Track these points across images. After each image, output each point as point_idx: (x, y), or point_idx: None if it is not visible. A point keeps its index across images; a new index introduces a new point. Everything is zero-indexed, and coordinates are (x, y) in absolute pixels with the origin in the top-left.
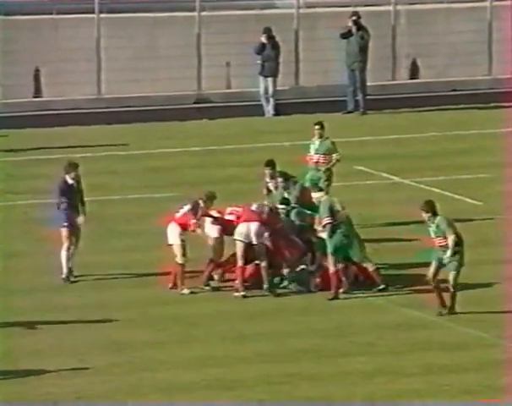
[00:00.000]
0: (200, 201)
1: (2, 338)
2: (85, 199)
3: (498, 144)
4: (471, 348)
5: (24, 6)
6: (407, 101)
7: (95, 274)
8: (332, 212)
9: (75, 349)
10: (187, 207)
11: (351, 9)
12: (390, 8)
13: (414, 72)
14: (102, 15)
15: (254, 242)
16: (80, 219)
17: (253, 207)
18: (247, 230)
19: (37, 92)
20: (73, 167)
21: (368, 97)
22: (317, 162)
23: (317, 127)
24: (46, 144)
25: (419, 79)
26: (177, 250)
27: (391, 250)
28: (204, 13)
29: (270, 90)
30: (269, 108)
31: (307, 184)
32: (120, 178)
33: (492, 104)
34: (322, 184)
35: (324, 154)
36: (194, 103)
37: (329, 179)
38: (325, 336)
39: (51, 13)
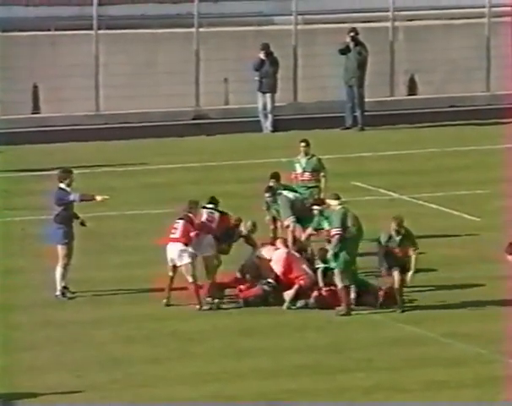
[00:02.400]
0: (189, 214)
1: (0, 354)
2: (84, 215)
3: (496, 160)
4: (469, 364)
5: (23, 22)
6: (405, 117)
7: (92, 290)
8: (344, 225)
9: (73, 365)
10: (181, 223)
11: (349, 25)
12: (388, 24)
13: (412, 88)
14: (101, 32)
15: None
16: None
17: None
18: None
19: (35, 108)
20: (67, 173)
21: (366, 113)
22: (304, 180)
23: (302, 144)
24: (44, 160)
25: (417, 95)
26: (187, 271)
27: None
28: (202, 30)
29: (269, 107)
30: (267, 124)
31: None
32: (118, 195)
33: (490, 120)
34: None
35: (311, 172)
36: (192, 119)
37: (318, 195)
38: (323, 352)
39: (50, 30)
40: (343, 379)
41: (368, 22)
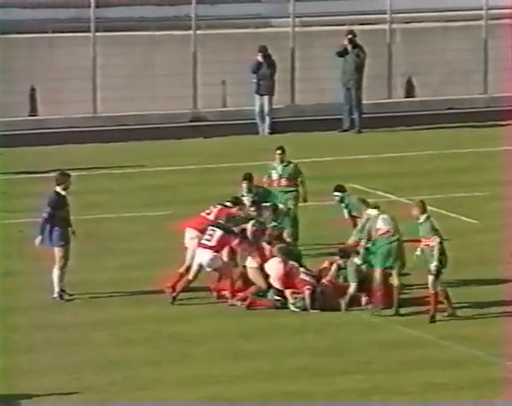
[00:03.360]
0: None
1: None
2: (82, 217)
3: (494, 162)
4: (467, 367)
5: (20, 24)
6: (403, 119)
7: (90, 292)
8: (369, 234)
9: (71, 367)
10: (219, 233)
11: (346, 28)
12: (386, 26)
13: (410, 90)
14: (98, 34)
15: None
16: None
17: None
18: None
19: (33, 111)
20: (65, 177)
21: (364, 116)
22: (282, 186)
23: (278, 152)
24: (42, 162)
25: (415, 98)
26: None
27: None
28: (199, 32)
29: (266, 109)
30: (264, 126)
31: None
32: (116, 197)
33: (488, 122)
34: (290, 205)
35: (288, 178)
36: (190, 121)
37: (296, 199)
38: (322, 354)
39: (47, 32)
40: (342, 381)
41: (366, 24)
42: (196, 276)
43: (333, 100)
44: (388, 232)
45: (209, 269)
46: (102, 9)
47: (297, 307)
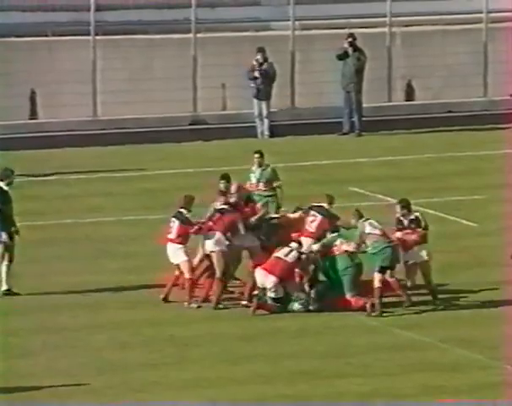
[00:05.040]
0: (182, 210)
1: None
2: (80, 220)
3: (493, 165)
4: (466, 370)
5: (20, 27)
6: (403, 122)
7: (89, 295)
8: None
9: (70, 371)
10: (176, 223)
11: (346, 31)
12: (386, 29)
13: (410, 93)
14: (98, 37)
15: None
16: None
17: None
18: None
19: (33, 114)
20: (8, 172)
21: (364, 119)
22: (260, 190)
23: (256, 156)
24: (42, 166)
25: (415, 101)
26: (185, 267)
27: None
28: (199, 35)
29: (264, 112)
30: (263, 129)
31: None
32: (115, 200)
33: (487, 126)
34: (272, 208)
35: (265, 182)
36: (189, 125)
37: (276, 202)
38: (321, 357)
39: (47, 35)
40: (340, 384)
41: (366, 28)
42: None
43: (332, 103)
44: (382, 235)
45: (174, 261)
46: (102, 13)
47: (301, 304)
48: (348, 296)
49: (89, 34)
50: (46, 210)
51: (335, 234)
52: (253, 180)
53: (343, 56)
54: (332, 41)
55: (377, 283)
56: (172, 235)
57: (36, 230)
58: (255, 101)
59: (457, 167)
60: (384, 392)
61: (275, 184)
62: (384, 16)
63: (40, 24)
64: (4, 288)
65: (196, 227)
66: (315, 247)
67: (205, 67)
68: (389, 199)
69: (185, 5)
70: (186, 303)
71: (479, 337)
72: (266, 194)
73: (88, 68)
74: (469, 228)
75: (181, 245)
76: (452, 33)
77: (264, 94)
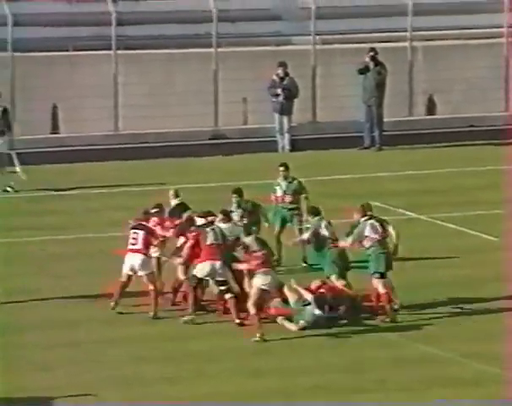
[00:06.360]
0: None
1: (17, 375)
2: (101, 235)
3: None
4: (485, 385)
5: (42, 42)
6: (424, 137)
7: (105, 310)
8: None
9: (89, 385)
10: (141, 234)
11: (367, 46)
12: (407, 44)
13: (431, 108)
14: (119, 52)
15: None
16: None
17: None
18: None
19: (54, 128)
20: None
21: (385, 133)
22: (285, 202)
23: (282, 168)
24: (63, 180)
25: (436, 115)
26: (150, 278)
27: (405, 286)
28: (220, 50)
29: (286, 127)
30: (284, 143)
31: (277, 222)
32: (135, 214)
33: (509, 140)
34: (294, 221)
35: (292, 194)
36: (210, 139)
37: (300, 215)
38: (338, 372)
39: (68, 50)
40: (357, 399)
41: (387, 42)
42: (129, 280)
43: (353, 117)
44: (380, 239)
45: (141, 273)
46: (123, 27)
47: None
48: (333, 278)
49: (110, 48)
50: (67, 224)
51: (318, 217)
52: (279, 193)
53: (364, 70)
54: (353, 56)
55: (382, 289)
56: (138, 246)
57: (57, 244)
58: (276, 115)
59: (478, 181)
60: None
61: (303, 196)
62: (405, 30)
63: (62, 39)
64: None
65: (160, 239)
66: (306, 236)
67: (226, 81)
68: (410, 213)
69: (206, 20)
70: (151, 314)
71: (500, 352)
72: (291, 206)
73: (109, 82)
74: (489, 243)
75: (146, 256)
76: (473, 47)
77: (286, 109)
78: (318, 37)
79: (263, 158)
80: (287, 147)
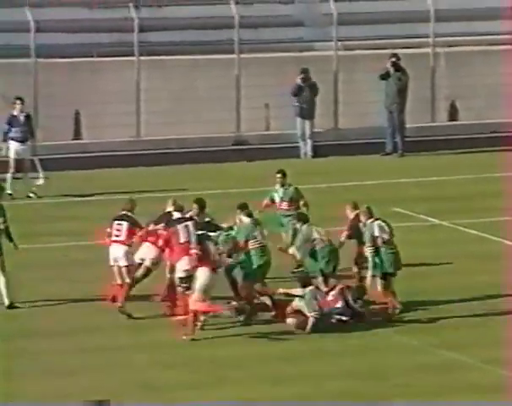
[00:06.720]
0: (129, 213)
1: (38, 381)
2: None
3: None
4: (507, 390)
5: (64, 49)
6: (446, 143)
7: (127, 315)
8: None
9: (111, 391)
10: (125, 225)
11: (389, 51)
12: (429, 50)
13: (453, 114)
14: (142, 58)
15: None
16: None
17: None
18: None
19: (77, 134)
20: None
21: (407, 139)
22: (283, 209)
23: (278, 175)
24: (86, 186)
25: (458, 121)
26: (130, 270)
27: (428, 292)
28: (242, 56)
29: (308, 132)
30: (307, 150)
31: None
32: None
33: None
34: (288, 227)
35: (289, 201)
36: (233, 145)
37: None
38: (361, 378)
39: (91, 56)
40: (381, 405)
41: (409, 48)
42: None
43: (376, 123)
44: (389, 239)
45: (123, 263)
46: (145, 34)
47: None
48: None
49: (132, 54)
50: (89, 230)
51: (307, 224)
52: (277, 199)
53: (385, 76)
54: (375, 62)
55: (380, 289)
56: (121, 237)
57: (80, 250)
58: (298, 119)
59: (500, 187)
60: None
61: (301, 202)
62: (427, 37)
63: (84, 46)
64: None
65: (144, 230)
66: (291, 251)
67: (248, 87)
68: (432, 219)
69: (228, 26)
70: (119, 304)
71: None
72: (288, 213)
73: (131, 88)
74: (511, 249)
75: (129, 248)
76: (495, 53)
77: (307, 112)
78: (340, 43)
79: (285, 164)
80: (309, 153)
